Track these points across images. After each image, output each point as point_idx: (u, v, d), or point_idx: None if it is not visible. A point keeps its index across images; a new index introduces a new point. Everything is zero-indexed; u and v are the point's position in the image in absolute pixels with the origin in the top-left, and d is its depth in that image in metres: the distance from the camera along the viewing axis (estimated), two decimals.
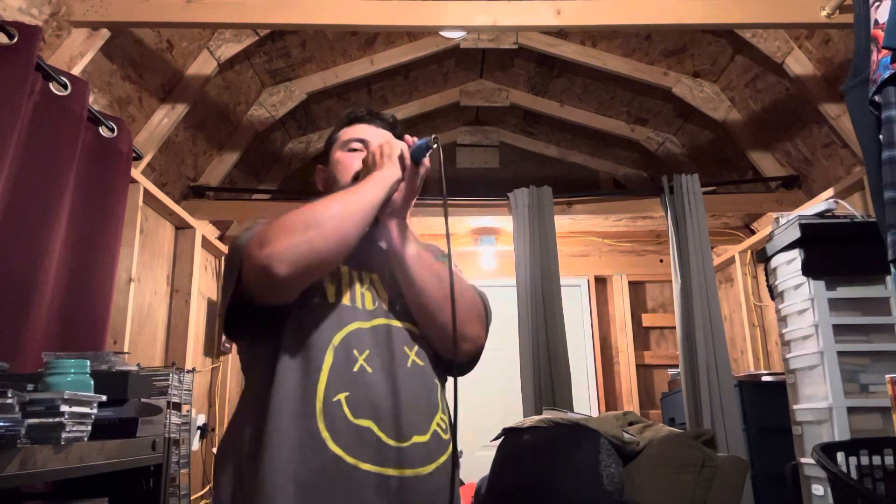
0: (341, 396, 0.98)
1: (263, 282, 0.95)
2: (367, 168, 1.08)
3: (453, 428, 1.05)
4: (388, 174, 1.05)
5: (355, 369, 1.00)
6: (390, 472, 0.95)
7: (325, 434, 0.95)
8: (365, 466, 0.95)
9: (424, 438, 1.00)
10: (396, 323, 1.08)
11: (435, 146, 1.06)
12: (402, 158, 1.07)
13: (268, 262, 0.93)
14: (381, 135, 1.20)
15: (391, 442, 0.97)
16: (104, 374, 1.59)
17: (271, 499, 0.92)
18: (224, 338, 3.64)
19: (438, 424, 1.03)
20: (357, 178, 1.11)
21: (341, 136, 1.21)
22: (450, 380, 1.12)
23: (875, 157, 1.57)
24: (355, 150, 1.17)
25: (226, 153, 3.41)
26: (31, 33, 1.83)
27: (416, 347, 1.07)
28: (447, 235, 1.07)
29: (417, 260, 1.06)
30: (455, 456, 1.03)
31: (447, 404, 1.08)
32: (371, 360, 1.01)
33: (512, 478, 2.02)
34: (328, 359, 1.00)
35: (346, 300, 1.06)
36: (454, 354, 1.04)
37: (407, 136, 1.13)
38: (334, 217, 0.98)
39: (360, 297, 1.08)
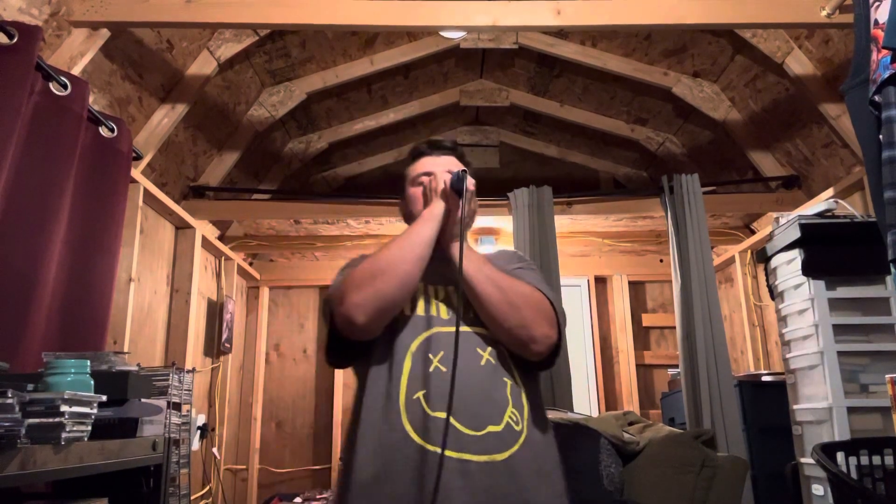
0: (419, 394, 1.14)
1: (350, 328, 1.15)
2: (427, 202, 1.27)
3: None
4: (435, 209, 1.24)
5: (431, 370, 1.16)
6: (467, 457, 1.08)
7: (409, 427, 1.11)
8: (446, 453, 1.06)
9: (498, 428, 1.12)
10: (469, 329, 1.21)
11: (466, 175, 1.22)
12: (444, 192, 1.24)
13: (348, 313, 1.14)
14: (443, 162, 1.36)
15: (467, 431, 1.10)
16: (104, 374, 1.59)
17: (359, 487, 1.10)
18: (223, 339, 3.65)
19: (511, 416, 1.14)
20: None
21: (410, 173, 1.40)
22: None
23: (875, 157, 1.57)
24: (423, 183, 1.33)
25: (226, 153, 3.41)
26: (31, 33, 1.83)
27: (489, 349, 1.20)
28: (460, 258, 1.19)
29: (477, 275, 1.19)
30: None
31: (524, 400, 1.19)
32: (445, 361, 1.16)
33: None
34: (407, 363, 1.17)
35: (420, 311, 1.24)
36: (527, 353, 1.19)
37: (451, 167, 1.31)
38: (393, 263, 1.17)
39: (436, 307, 1.25)
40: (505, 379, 1.19)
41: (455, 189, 1.23)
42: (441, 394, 1.11)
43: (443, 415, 1.08)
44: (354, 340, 1.19)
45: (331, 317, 1.20)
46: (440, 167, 1.33)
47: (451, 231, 1.24)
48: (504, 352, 1.21)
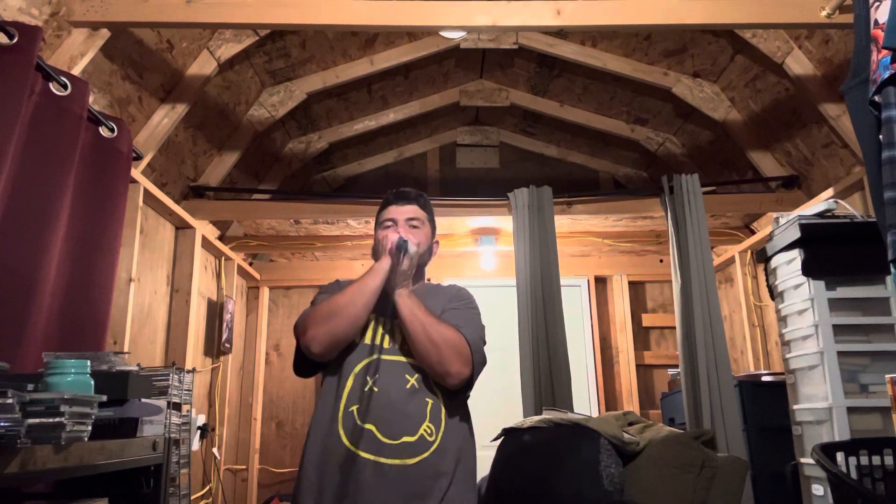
0: (354, 408, 1.46)
1: (309, 353, 1.49)
2: (377, 254, 1.58)
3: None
4: (382, 265, 1.53)
5: (366, 389, 1.47)
6: (383, 460, 1.40)
7: (342, 434, 1.44)
8: (364, 455, 1.40)
9: (412, 439, 1.43)
10: (403, 358, 1.51)
11: (405, 246, 1.53)
12: (391, 251, 1.53)
13: (306, 343, 1.48)
14: (405, 211, 1.66)
15: (385, 439, 1.42)
16: (104, 374, 1.59)
17: (305, 479, 1.45)
18: (223, 339, 3.65)
19: (426, 430, 1.45)
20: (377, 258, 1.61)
21: (380, 218, 1.69)
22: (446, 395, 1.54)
23: (875, 157, 1.57)
24: (388, 226, 1.65)
25: (226, 153, 3.41)
26: (31, 33, 1.83)
27: (416, 375, 1.50)
28: (398, 313, 1.51)
29: (407, 318, 1.47)
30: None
31: (443, 416, 1.49)
32: (378, 383, 1.47)
33: (512, 478, 2.02)
34: (349, 382, 1.49)
35: (367, 339, 1.54)
36: (443, 384, 1.48)
37: (409, 232, 1.61)
38: (346, 306, 1.48)
39: (381, 337, 1.55)
40: (427, 399, 1.48)
41: (399, 249, 1.52)
42: (369, 409, 1.44)
43: (369, 426, 1.42)
44: (315, 360, 1.51)
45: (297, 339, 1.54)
46: (402, 216, 1.64)
47: (393, 280, 1.53)
48: (428, 377, 1.50)
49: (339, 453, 1.41)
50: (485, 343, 1.56)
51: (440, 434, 1.46)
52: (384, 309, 1.54)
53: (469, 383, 1.50)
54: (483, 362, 1.53)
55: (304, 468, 1.46)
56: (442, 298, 1.62)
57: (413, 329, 1.46)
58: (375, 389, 1.46)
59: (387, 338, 1.55)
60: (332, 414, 1.46)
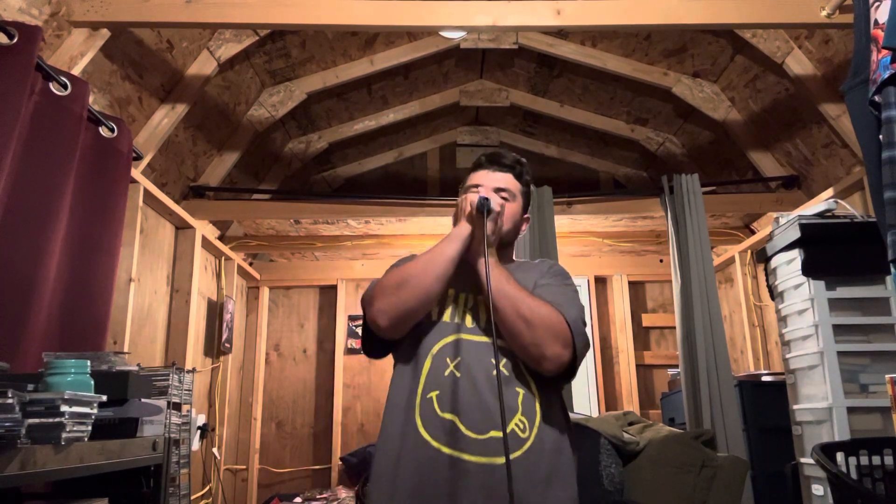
0: (433, 394, 1.24)
1: (375, 328, 1.29)
2: (456, 218, 1.36)
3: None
4: (461, 231, 1.32)
5: (446, 373, 1.26)
6: (466, 457, 1.18)
7: (419, 424, 1.23)
8: (446, 451, 1.19)
9: (501, 434, 1.15)
10: (487, 339, 1.28)
11: (487, 205, 1.31)
12: (470, 214, 1.32)
13: (373, 317, 1.28)
14: (496, 178, 1.44)
15: (470, 434, 1.19)
16: (104, 374, 1.59)
17: (378, 473, 1.25)
18: (223, 339, 3.65)
19: (518, 424, 1.22)
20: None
21: (468, 181, 1.48)
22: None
23: (875, 157, 1.57)
24: (472, 192, 1.41)
25: (226, 153, 3.41)
26: (31, 33, 1.83)
27: (504, 360, 1.27)
28: (487, 280, 1.25)
29: (495, 291, 1.24)
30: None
31: (537, 409, 1.26)
32: (461, 367, 1.26)
33: None
34: (427, 365, 1.28)
35: (446, 317, 1.33)
36: (538, 368, 1.25)
37: (483, 190, 1.41)
38: (417, 276, 1.27)
39: (462, 315, 1.34)
40: (517, 389, 1.26)
41: (480, 211, 1.31)
42: (451, 397, 1.22)
43: (450, 416, 1.21)
44: (381, 338, 1.31)
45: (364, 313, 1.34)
46: (491, 183, 1.42)
47: (476, 248, 1.32)
48: (519, 363, 1.28)
49: (417, 446, 1.21)
50: (585, 325, 1.32)
51: (534, 430, 1.23)
52: (465, 283, 1.35)
53: (570, 370, 1.26)
54: (586, 345, 1.29)
55: (377, 462, 1.27)
56: (533, 273, 1.41)
57: (501, 304, 1.24)
58: (458, 374, 1.25)
59: (468, 316, 1.33)
60: (409, 400, 1.26)
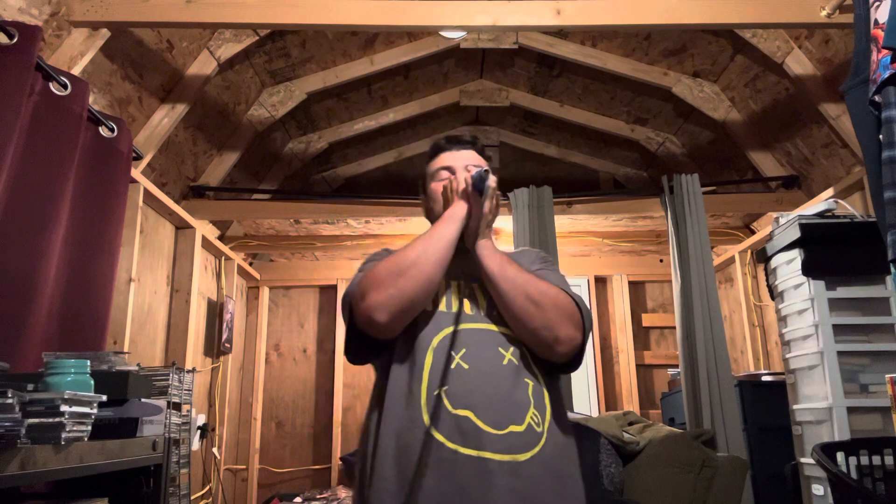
0: (441, 391, 1.12)
1: (370, 326, 1.14)
2: (447, 200, 1.26)
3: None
4: (457, 210, 1.23)
5: (452, 366, 1.14)
6: (488, 455, 1.06)
7: (430, 424, 1.09)
8: (465, 451, 1.07)
9: (520, 429, 1.10)
10: (493, 327, 1.20)
11: (486, 179, 1.21)
12: (465, 192, 1.23)
13: (369, 312, 1.12)
14: (462, 157, 1.36)
15: (489, 430, 1.08)
16: (104, 374, 1.59)
17: (381, 483, 1.09)
18: (223, 339, 3.64)
19: (533, 417, 1.13)
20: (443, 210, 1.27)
21: (430, 169, 1.39)
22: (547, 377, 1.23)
23: (875, 157, 1.57)
24: (444, 178, 1.33)
25: (226, 153, 3.41)
26: (31, 33, 1.83)
27: (511, 348, 1.19)
28: (484, 258, 1.20)
29: (499, 275, 1.18)
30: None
31: (546, 402, 1.18)
32: (467, 358, 1.15)
33: None
34: (428, 359, 1.16)
35: (442, 307, 1.23)
36: (550, 354, 1.17)
37: (470, 167, 1.31)
38: (417, 263, 1.15)
39: (458, 303, 1.22)
40: (527, 380, 1.17)
41: (477, 188, 1.22)
42: (462, 391, 1.11)
43: (464, 412, 1.09)
44: (374, 338, 1.18)
45: (350, 314, 1.19)
46: (460, 162, 1.34)
47: (474, 230, 1.23)
48: (526, 352, 1.20)
49: (428, 449, 1.08)
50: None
51: (546, 423, 1.14)
52: (455, 268, 1.23)
53: (580, 354, 1.20)
54: (591, 328, 1.24)
55: (375, 472, 1.11)
56: (524, 259, 1.33)
57: (506, 288, 1.16)
58: (466, 366, 1.14)
59: (467, 302, 1.23)
60: (411, 400, 1.13)
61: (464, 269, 1.25)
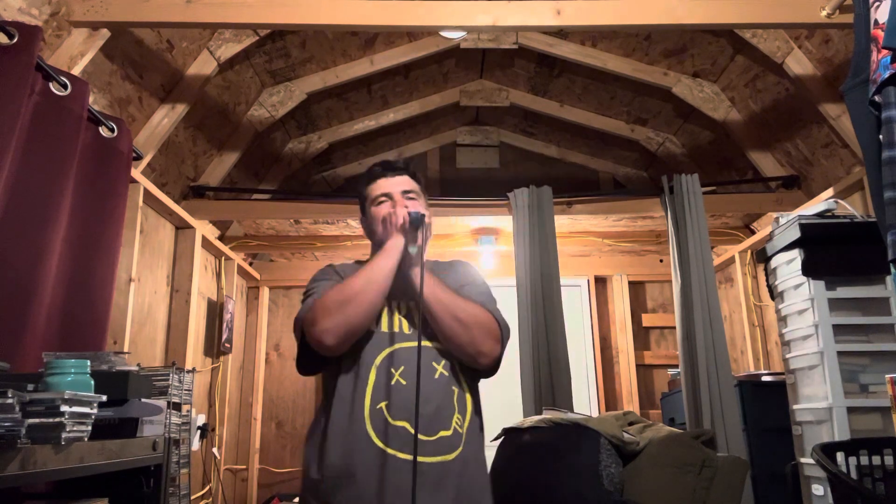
0: (382, 405, 1.31)
1: (320, 348, 1.32)
2: (386, 231, 1.42)
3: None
4: (396, 243, 1.40)
5: (392, 383, 1.33)
6: (421, 459, 1.24)
7: (372, 434, 1.29)
8: (402, 456, 1.26)
9: (448, 433, 1.31)
10: (427, 343, 1.37)
11: (421, 220, 1.41)
12: (402, 227, 1.41)
13: (319, 336, 1.30)
14: (398, 182, 1.51)
15: (423, 437, 1.27)
16: (104, 374, 1.59)
17: (330, 489, 1.28)
18: (223, 339, 3.65)
19: (456, 421, 1.34)
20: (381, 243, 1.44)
21: (369, 194, 1.54)
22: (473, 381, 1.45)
23: (875, 157, 1.57)
24: (383, 202, 1.50)
25: (226, 153, 3.41)
26: (31, 33, 1.83)
27: (443, 361, 1.38)
28: (420, 288, 1.34)
29: (431, 298, 1.35)
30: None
31: (466, 405, 1.39)
32: (405, 375, 1.33)
33: (512, 478, 2.02)
34: (371, 376, 1.34)
35: (383, 327, 1.40)
36: (474, 365, 1.38)
37: (406, 201, 1.48)
38: (361, 292, 1.33)
39: (398, 323, 1.41)
40: (453, 388, 1.37)
41: (413, 226, 1.40)
42: (400, 405, 1.30)
43: (402, 423, 1.29)
44: (324, 355, 1.35)
45: (301, 334, 1.36)
46: (396, 188, 1.50)
47: (409, 259, 1.41)
48: (455, 363, 1.39)
49: (371, 457, 1.27)
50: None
51: (466, 423, 1.37)
52: (395, 290, 1.40)
53: (499, 362, 1.41)
54: (508, 337, 1.44)
55: (325, 480, 1.30)
56: (452, 275, 1.51)
57: (437, 310, 1.34)
58: (403, 382, 1.32)
59: (404, 322, 1.41)
60: (355, 413, 1.31)
61: (401, 289, 1.41)
